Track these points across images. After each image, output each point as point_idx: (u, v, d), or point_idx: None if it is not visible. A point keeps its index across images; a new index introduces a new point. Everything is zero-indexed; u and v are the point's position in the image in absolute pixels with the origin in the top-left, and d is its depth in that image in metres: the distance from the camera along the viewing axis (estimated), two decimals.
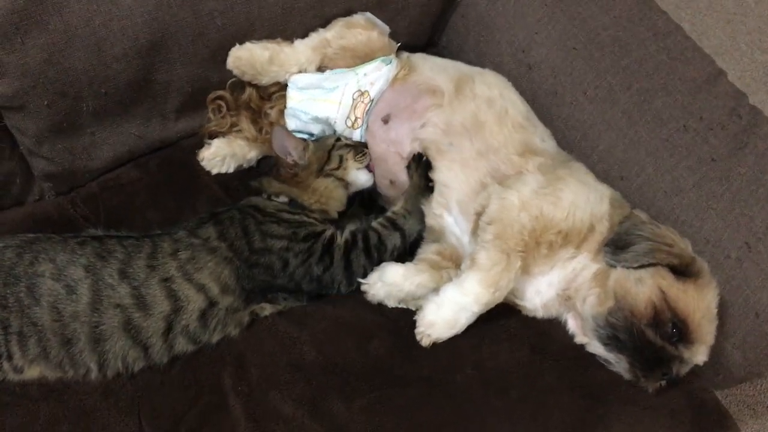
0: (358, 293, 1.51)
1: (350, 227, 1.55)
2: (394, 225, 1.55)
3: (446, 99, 1.63)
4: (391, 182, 1.67)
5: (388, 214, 1.58)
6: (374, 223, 1.55)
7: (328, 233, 1.51)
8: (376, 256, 1.50)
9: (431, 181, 1.57)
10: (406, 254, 1.56)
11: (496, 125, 1.57)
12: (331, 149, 1.62)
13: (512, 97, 1.67)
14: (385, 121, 1.66)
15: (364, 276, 1.50)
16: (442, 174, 1.56)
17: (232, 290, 1.42)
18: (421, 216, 1.58)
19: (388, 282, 1.47)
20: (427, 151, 1.60)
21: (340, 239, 1.51)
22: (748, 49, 3.00)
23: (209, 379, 1.40)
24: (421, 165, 1.59)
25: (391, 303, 1.51)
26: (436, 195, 1.56)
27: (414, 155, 1.61)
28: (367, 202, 1.74)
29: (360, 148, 1.65)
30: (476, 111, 1.60)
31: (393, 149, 1.64)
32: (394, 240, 1.53)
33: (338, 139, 1.66)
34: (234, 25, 1.65)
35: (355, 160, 1.62)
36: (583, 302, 1.45)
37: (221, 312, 1.42)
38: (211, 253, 1.43)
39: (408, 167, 1.61)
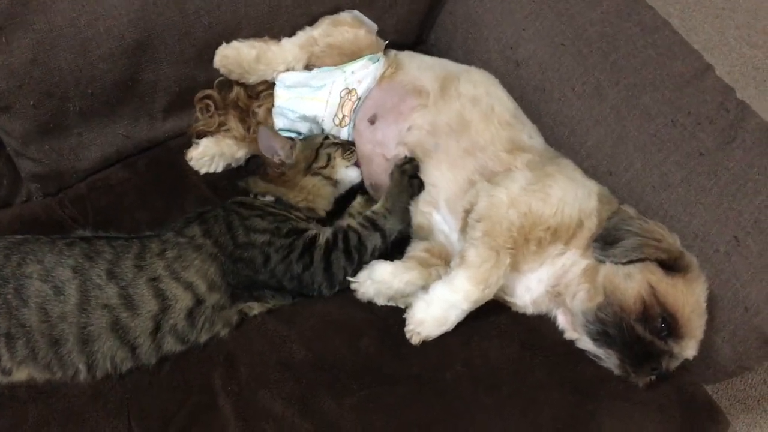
0: (347, 291, 1.50)
1: (332, 228, 1.53)
2: (374, 225, 1.52)
3: (431, 99, 1.62)
4: (372, 185, 1.66)
5: (368, 213, 1.55)
6: (354, 224, 1.53)
7: (312, 233, 1.49)
8: (356, 258, 1.48)
9: (419, 180, 1.56)
10: (388, 252, 1.54)
11: (482, 123, 1.57)
12: (319, 147, 1.62)
13: (499, 94, 1.67)
14: (372, 121, 1.65)
15: (345, 278, 1.49)
16: (430, 175, 1.55)
17: (218, 287, 1.42)
18: (404, 215, 1.56)
19: (378, 280, 1.47)
20: (414, 154, 1.58)
21: (321, 240, 1.49)
22: (737, 44, 3.01)
23: (198, 379, 1.40)
24: (409, 165, 1.56)
25: (380, 301, 1.50)
26: (424, 194, 1.56)
27: (405, 156, 1.59)
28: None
29: (348, 146, 1.65)
30: (461, 110, 1.59)
31: (378, 150, 1.63)
32: (374, 240, 1.51)
33: (326, 138, 1.66)
34: (221, 24, 1.64)
35: (343, 158, 1.62)
36: (573, 298, 1.45)
37: (208, 310, 1.41)
38: (197, 250, 1.43)
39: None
